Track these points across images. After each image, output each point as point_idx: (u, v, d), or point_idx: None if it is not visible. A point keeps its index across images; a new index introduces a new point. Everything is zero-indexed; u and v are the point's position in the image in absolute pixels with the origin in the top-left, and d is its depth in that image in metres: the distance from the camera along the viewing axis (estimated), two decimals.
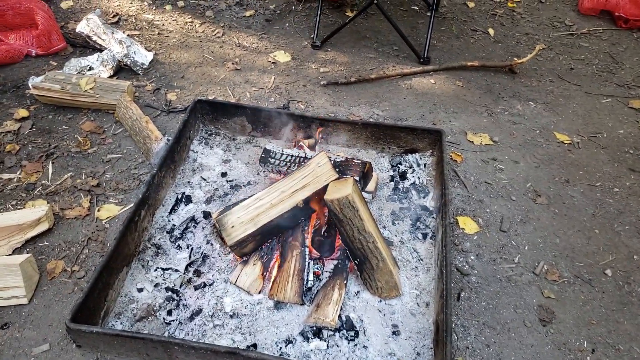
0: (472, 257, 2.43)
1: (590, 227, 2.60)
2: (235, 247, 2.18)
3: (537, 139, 3.17)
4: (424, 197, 2.72)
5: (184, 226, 2.53)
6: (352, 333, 2.10)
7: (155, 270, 2.34)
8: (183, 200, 2.67)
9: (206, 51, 3.96)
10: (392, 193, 2.77)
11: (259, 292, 2.23)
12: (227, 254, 2.40)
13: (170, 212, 2.60)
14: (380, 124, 2.85)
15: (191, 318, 2.16)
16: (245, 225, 2.16)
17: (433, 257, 2.42)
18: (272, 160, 2.56)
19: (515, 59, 3.75)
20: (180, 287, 2.28)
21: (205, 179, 2.83)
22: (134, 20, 4.32)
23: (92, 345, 1.92)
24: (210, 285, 2.28)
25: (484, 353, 2.05)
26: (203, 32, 4.20)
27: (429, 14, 4.47)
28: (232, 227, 2.18)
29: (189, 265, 2.36)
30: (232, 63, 3.84)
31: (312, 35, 4.09)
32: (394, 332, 2.14)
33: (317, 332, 2.08)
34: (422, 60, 3.84)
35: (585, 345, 2.09)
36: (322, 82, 3.60)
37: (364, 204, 2.07)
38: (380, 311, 2.21)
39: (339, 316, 2.13)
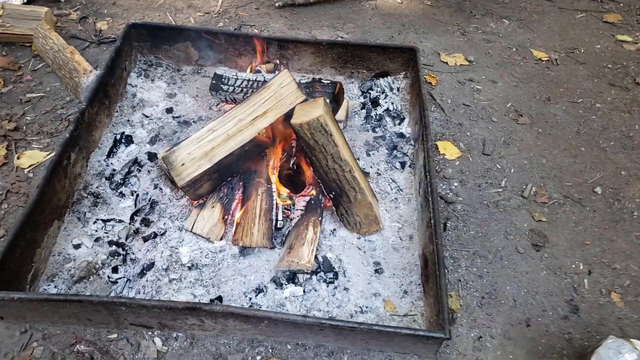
0: (456, 184, 2.19)
1: (576, 145, 2.40)
2: (188, 188, 1.82)
3: (513, 57, 2.90)
4: (399, 124, 2.42)
5: (126, 170, 2.13)
6: (330, 275, 1.83)
7: (95, 222, 1.96)
8: (123, 141, 2.25)
9: None
10: (364, 122, 2.45)
11: (221, 239, 1.90)
12: (180, 199, 2.04)
13: (108, 155, 2.18)
14: (348, 42, 2.47)
15: (142, 274, 1.82)
16: (198, 162, 1.80)
17: (414, 187, 2.15)
18: (225, 87, 2.16)
19: None
20: (126, 239, 1.92)
21: (147, 116, 2.40)
22: None
23: (17, 315, 1.56)
24: (162, 235, 1.93)
25: (477, 285, 1.84)
26: None
27: None
28: (182, 164, 1.81)
29: (134, 214, 1.99)
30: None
31: None
32: (376, 271, 1.88)
33: (292, 277, 1.80)
34: None
35: (581, 267, 1.92)
36: (277, 4, 3.14)
37: (337, 128, 1.74)
38: (359, 249, 1.95)
39: (315, 257, 1.85)
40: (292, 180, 1.87)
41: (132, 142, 2.25)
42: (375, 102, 2.49)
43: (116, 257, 1.87)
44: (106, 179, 2.11)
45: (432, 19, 3.16)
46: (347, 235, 1.98)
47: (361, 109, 2.50)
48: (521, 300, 1.80)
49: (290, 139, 1.90)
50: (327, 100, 1.93)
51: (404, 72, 2.56)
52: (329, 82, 2.02)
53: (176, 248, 1.89)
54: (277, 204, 1.90)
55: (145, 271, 1.83)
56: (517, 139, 2.41)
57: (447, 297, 1.53)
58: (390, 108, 2.47)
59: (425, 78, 2.66)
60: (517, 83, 2.72)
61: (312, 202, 1.91)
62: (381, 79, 2.56)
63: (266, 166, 1.90)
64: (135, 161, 2.17)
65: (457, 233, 2.00)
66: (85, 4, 3.08)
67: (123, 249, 1.88)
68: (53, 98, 2.46)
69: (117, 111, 2.39)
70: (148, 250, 1.89)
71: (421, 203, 1.98)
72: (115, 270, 1.82)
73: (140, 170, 2.15)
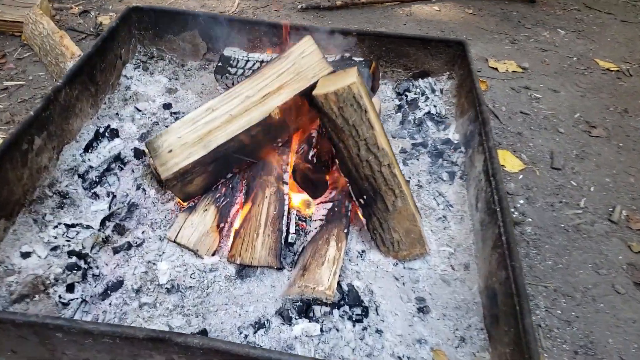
0: (522, 202, 1.73)
1: None
2: (175, 182, 1.40)
3: (575, 66, 2.50)
4: (444, 129, 2.00)
5: (105, 167, 1.73)
6: (358, 310, 1.35)
7: (56, 227, 1.54)
8: (106, 134, 1.86)
9: None
10: (399, 127, 2.04)
11: (213, 254, 1.46)
12: (166, 202, 1.61)
13: (86, 150, 1.79)
14: (382, 33, 2.11)
15: (104, 295, 1.37)
16: (190, 148, 1.39)
17: (467, 202, 1.70)
18: (232, 70, 1.78)
19: None
20: (91, 250, 1.48)
21: (140, 110, 2.03)
22: None
23: None
24: (137, 246, 1.49)
25: (566, 334, 1.34)
26: None
27: None
28: (170, 151, 1.40)
29: (106, 218, 1.56)
30: None
31: None
32: (420, 309, 1.40)
33: (305, 310, 1.32)
34: None
35: None
36: (300, 6, 2.84)
37: (373, 107, 1.32)
38: (397, 279, 1.48)
39: (338, 285, 1.38)
40: (311, 180, 1.44)
41: (118, 137, 1.87)
42: (413, 105, 2.08)
43: (74, 271, 1.42)
44: (79, 176, 1.71)
45: (475, 26, 2.81)
46: (381, 259, 1.52)
47: (396, 113, 2.10)
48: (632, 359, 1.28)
49: (311, 126, 1.49)
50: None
51: (448, 73, 2.17)
52: (361, 60, 1.63)
53: (154, 263, 1.44)
54: (289, 210, 1.46)
55: (109, 291, 1.38)
56: (593, 153, 1.96)
57: (536, 345, 1.03)
58: (433, 111, 2.06)
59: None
60: (584, 93, 2.30)
61: (336, 209, 1.46)
62: (420, 79, 2.17)
63: (278, 160, 1.48)
64: (118, 157, 1.77)
65: (529, 262, 1.52)
66: (90, 0, 2.83)
67: (85, 262, 1.45)
68: (34, 87, 2.13)
69: (105, 103, 2.03)
70: (117, 265, 1.45)
71: (481, 220, 1.51)
72: (70, 288, 1.38)
73: (122, 169, 1.75)
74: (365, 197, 1.40)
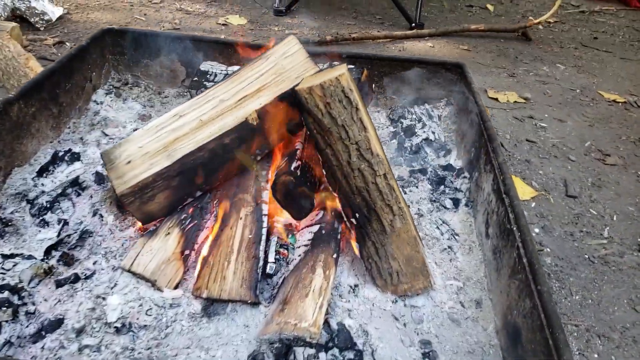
0: (537, 230, 1.55)
1: None
2: (132, 199, 1.21)
3: (579, 97, 2.42)
4: (444, 155, 1.85)
5: (59, 191, 1.54)
6: (350, 355, 1.12)
7: None
8: (66, 158, 1.69)
9: (137, 13, 3.12)
10: (395, 154, 1.89)
11: (176, 287, 1.24)
12: (125, 229, 1.41)
13: (40, 174, 1.61)
14: (375, 56, 2.01)
15: (38, 336, 1.14)
16: (152, 159, 1.21)
17: (475, 231, 1.51)
18: (209, 85, 1.65)
19: (531, 18, 3.10)
20: (29, 283, 1.26)
21: (108, 135, 1.87)
22: None
23: None
24: (86, 278, 1.27)
25: None
26: None
27: None
28: (128, 162, 1.23)
29: (53, 247, 1.35)
30: (169, 23, 3.01)
31: (273, 5, 3.33)
32: (425, 355, 1.18)
33: (285, 352, 1.09)
34: (414, 24, 3.12)
35: None
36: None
37: (364, 105, 1.17)
38: (397, 319, 1.26)
39: (326, 322, 1.16)
40: (294, 197, 1.25)
41: (79, 160, 1.69)
42: (409, 131, 1.95)
43: (4, 308, 1.19)
44: (28, 202, 1.51)
45: (471, 61, 2.76)
46: (377, 295, 1.30)
47: (391, 140, 1.96)
48: None
49: (296, 137, 1.33)
50: None
51: (446, 99, 2.06)
52: (352, 67, 1.50)
53: (103, 298, 1.22)
54: (268, 233, 1.26)
55: (44, 332, 1.15)
56: (610, 181, 1.81)
57: None
58: (431, 137, 1.92)
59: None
60: (592, 122, 2.19)
61: (323, 231, 1.27)
62: (415, 106, 2.05)
63: (256, 175, 1.30)
64: (76, 182, 1.58)
65: (553, 297, 1.30)
66: (67, 33, 2.76)
67: (19, 297, 1.22)
68: None
69: (69, 127, 1.88)
70: (59, 301, 1.23)
71: (494, 247, 1.32)
72: None
73: (79, 194, 1.56)
74: (357, 215, 1.21)
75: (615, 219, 1.62)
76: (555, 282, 1.36)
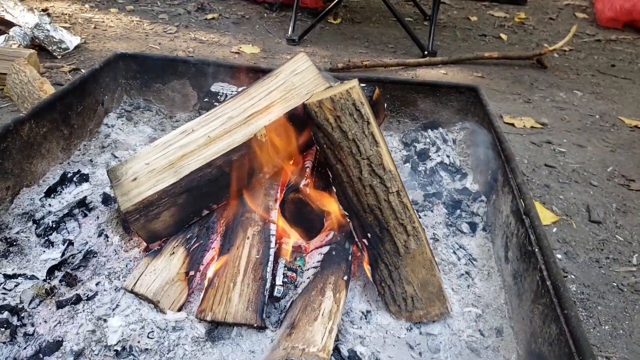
0: (560, 256, 1.48)
1: None
2: (137, 216, 1.19)
3: (599, 123, 2.38)
4: (460, 180, 1.82)
5: (66, 211, 1.53)
6: None
7: None
8: (74, 180, 1.69)
9: (152, 42, 3.20)
10: (408, 178, 1.86)
11: (180, 309, 1.20)
12: (130, 250, 1.39)
13: (48, 194, 1.61)
14: (387, 79, 2.01)
15: (34, 359, 1.10)
16: (158, 176, 1.20)
17: (494, 256, 1.46)
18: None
19: (546, 45, 3.11)
20: (29, 303, 1.23)
21: (117, 157, 1.88)
22: (67, 18, 3.59)
23: None
24: (88, 299, 1.24)
25: None
26: (152, 29, 3.49)
27: (425, 23, 3.93)
28: (134, 179, 1.21)
29: (56, 267, 1.33)
30: (183, 52, 3.07)
31: (286, 35, 3.39)
32: None
33: None
34: (426, 52, 3.15)
35: None
36: None
37: (376, 120, 1.15)
38: (412, 347, 1.20)
39: (336, 349, 1.10)
40: (303, 215, 1.22)
41: (87, 181, 1.69)
42: (423, 155, 1.92)
43: (2, 329, 1.16)
44: (34, 222, 1.50)
45: (485, 87, 2.75)
46: (391, 323, 1.25)
47: (404, 163, 1.93)
48: None
49: (306, 155, 1.31)
50: None
51: (460, 123, 2.04)
52: (364, 86, 1.50)
53: (104, 320, 1.18)
54: (276, 255, 1.23)
55: (41, 354, 1.11)
56: (636, 207, 1.75)
57: None
58: (446, 161, 1.89)
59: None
60: (614, 148, 2.15)
61: (334, 252, 1.23)
62: (429, 130, 2.04)
63: (264, 194, 1.28)
64: (83, 203, 1.57)
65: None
66: (83, 61, 2.83)
67: (19, 318, 1.19)
68: None
69: (79, 149, 1.89)
70: (59, 323, 1.19)
71: (514, 272, 1.27)
72: None
73: (86, 215, 1.55)
74: (369, 235, 1.17)
75: None
76: (582, 311, 1.29)
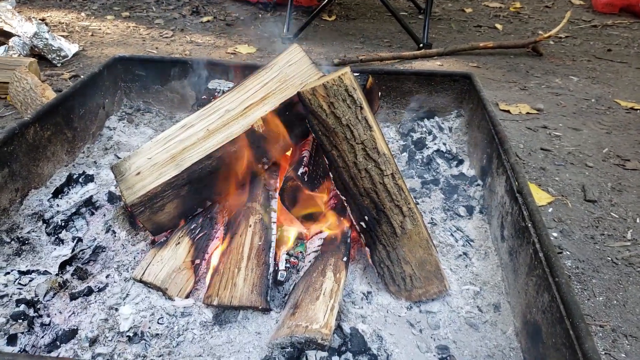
0: (555, 234, 1.54)
1: None
2: (142, 209, 1.26)
3: (595, 107, 2.43)
4: (456, 166, 1.87)
5: (74, 210, 1.60)
6: (365, 359, 1.12)
7: (7, 274, 1.37)
8: (80, 180, 1.76)
9: (149, 47, 3.28)
10: (406, 167, 1.92)
11: (187, 296, 1.26)
12: (137, 243, 1.45)
13: (55, 195, 1.68)
14: (382, 70, 2.08)
15: (52, 346, 1.17)
16: (161, 169, 1.27)
17: (491, 237, 1.52)
18: None
19: (541, 32, 3.16)
20: (44, 296, 1.30)
21: (120, 159, 1.94)
22: (64, 26, 3.68)
23: None
24: (99, 291, 1.31)
25: None
26: (148, 34, 3.57)
27: (420, 16, 4.00)
28: (138, 174, 1.28)
29: (67, 262, 1.40)
30: (180, 55, 3.15)
31: (282, 34, 3.46)
32: None
33: (297, 356, 1.10)
34: (422, 45, 3.21)
35: None
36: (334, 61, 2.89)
37: (368, 105, 1.21)
38: (412, 325, 1.26)
39: (339, 327, 1.16)
40: (302, 202, 1.29)
41: (92, 181, 1.76)
42: (420, 144, 1.98)
43: (20, 321, 1.23)
44: (43, 221, 1.57)
45: (481, 76, 2.81)
46: (391, 302, 1.31)
47: (401, 153, 1.99)
48: None
49: (303, 144, 1.37)
50: None
51: (456, 110, 2.10)
52: (357, 75, 1.56)
53: (116, 309, 1.25)
54: (277, 240, 1.29)
55: (59, 342, 1.18)
56: (631, 185, 1.80)
57: None
58: (442, 149, 1.95)
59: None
60: (609, 130, 2.20)
61: (333, 237, 1.29)
62: (425, 120, 2.10)
63: (264, 183, 1.34)
64: (89, 202, 1.64)
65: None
66: (82, 67, 2.91)
67: (35, 310, 1.26)
68: None
69: (83, 152, 1.96)
70: (73, 313, 1.26)
71: (510, 249, 1.32)
72: (11, 339, 1.18)
73: (93, 213, 1.62)
74: (367, 218, 1.23)
75: (638, 221, 1.61)
76: (577, 284, 1.35)
